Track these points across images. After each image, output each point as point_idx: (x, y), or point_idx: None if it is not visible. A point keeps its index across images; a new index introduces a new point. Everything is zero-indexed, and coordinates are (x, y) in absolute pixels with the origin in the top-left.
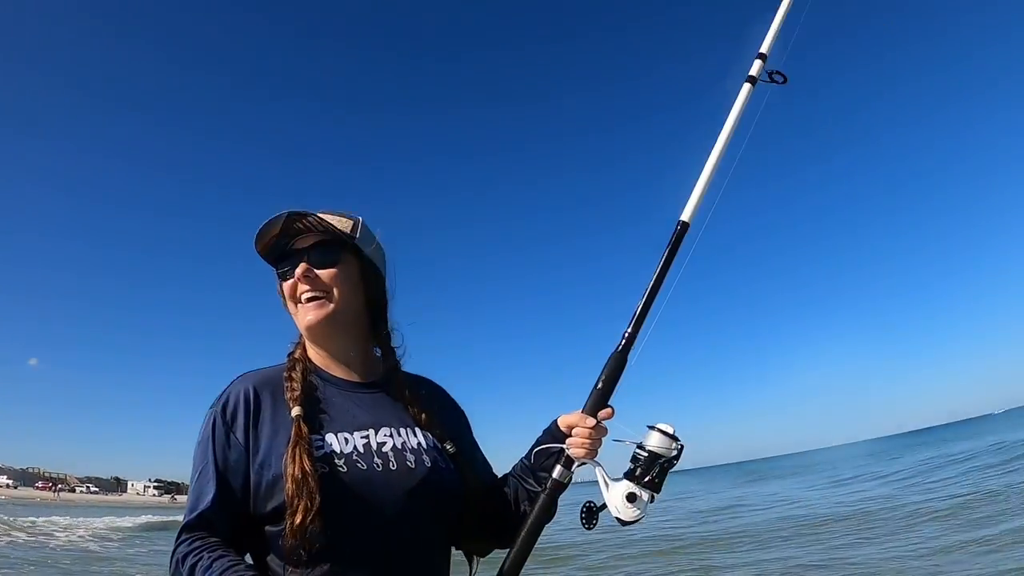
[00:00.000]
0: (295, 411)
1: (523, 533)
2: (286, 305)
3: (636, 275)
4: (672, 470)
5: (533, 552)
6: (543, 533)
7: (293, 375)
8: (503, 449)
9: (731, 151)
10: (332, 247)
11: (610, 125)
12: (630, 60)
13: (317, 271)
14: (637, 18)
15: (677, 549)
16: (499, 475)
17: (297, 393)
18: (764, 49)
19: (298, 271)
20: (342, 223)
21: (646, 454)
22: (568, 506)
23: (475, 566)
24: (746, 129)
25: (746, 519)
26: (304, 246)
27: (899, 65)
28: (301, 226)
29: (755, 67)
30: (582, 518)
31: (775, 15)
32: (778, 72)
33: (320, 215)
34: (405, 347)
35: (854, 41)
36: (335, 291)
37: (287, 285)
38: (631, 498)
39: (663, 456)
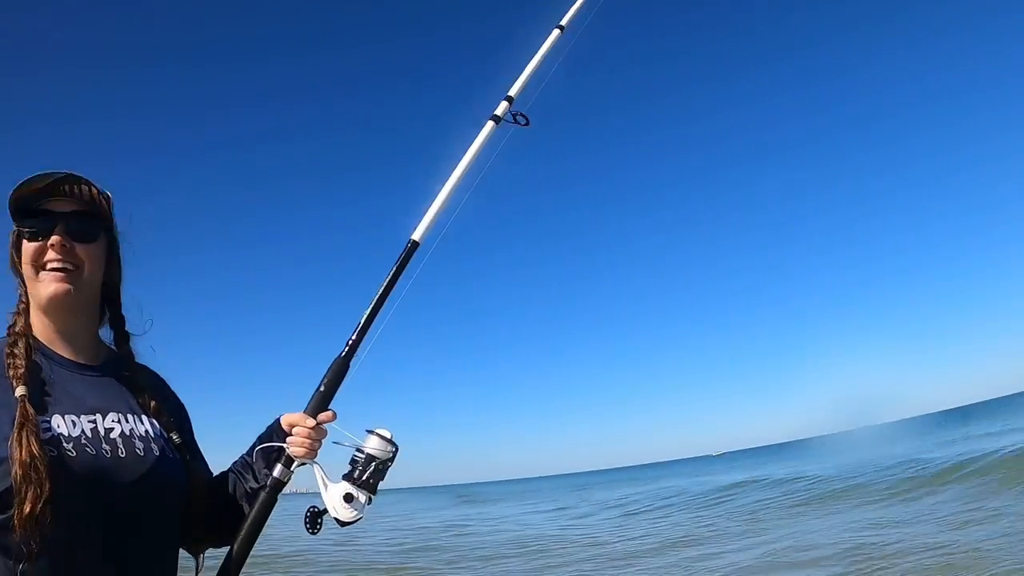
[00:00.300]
0: (19, 391)
1: (244, 531)
2: (17, 266)
3: (368, 285)
4: (391, 488)
5: (255, 560)
6: (267, 541)
7: (16, 351)
8: (217, 449)
9: (468, 180)
10: (93, 221)
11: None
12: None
13: (74, 242)
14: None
15: (403, 566)
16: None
17: (21, 371)
18: (512, 92)
19: (54, 238)
20: (105, 198)
21: (364, 456)
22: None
23: (201, 562)
24: (485, 162)
25: (475, 538)
26: (61, 211)
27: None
28: (67, 190)
29: (501, 107)
30: (306, 523)
31: (529, 62)
32: (522, 114)
33: (93, 187)
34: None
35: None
36: (85, 267)
37: (32, 247)
38: (348, 499)
39: (380, 459)
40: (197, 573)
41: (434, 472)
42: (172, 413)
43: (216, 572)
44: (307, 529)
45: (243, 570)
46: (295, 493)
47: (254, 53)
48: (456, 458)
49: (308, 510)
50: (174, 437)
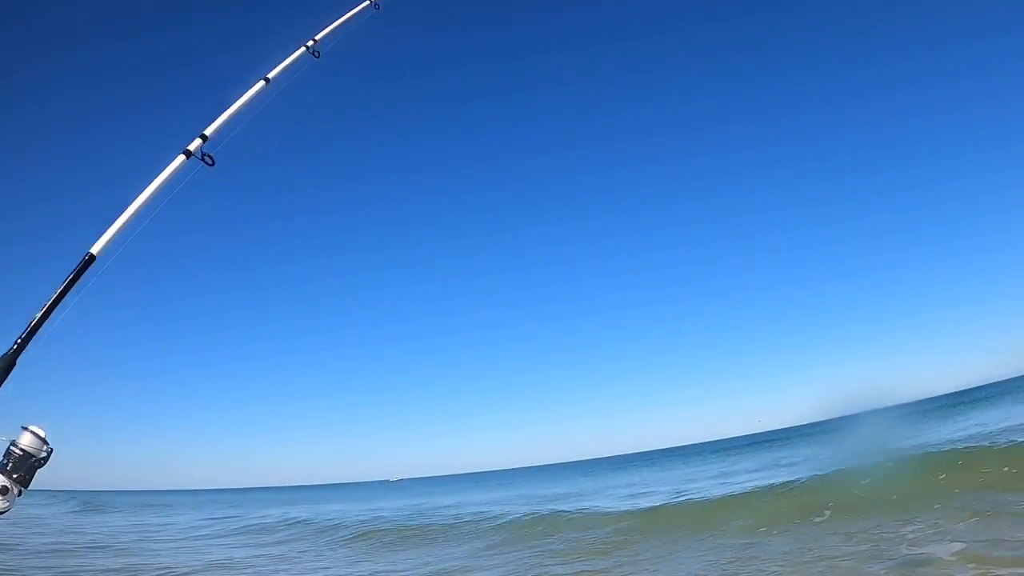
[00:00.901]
0: None
1: None
2: None
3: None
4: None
5: None
6: None
7: None
8: None
9: (153, 205)
10: None
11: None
12: None
13: None
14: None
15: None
16: None
17: None
18: (208, 132)
19: None
20: None
21: (20, 452)
22: None
23: None
24: (171, 191)
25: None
26: None
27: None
28: None
29: (195, 144)
30: None
31: (229, 107)
32: (209, 155)
33: None
34: None
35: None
36: None
37: None
38: (3, 491)
39: (34, 456)
40: None
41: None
42: None
43: None
44: None
45: None
46: None
47: None
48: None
49: None
50: None
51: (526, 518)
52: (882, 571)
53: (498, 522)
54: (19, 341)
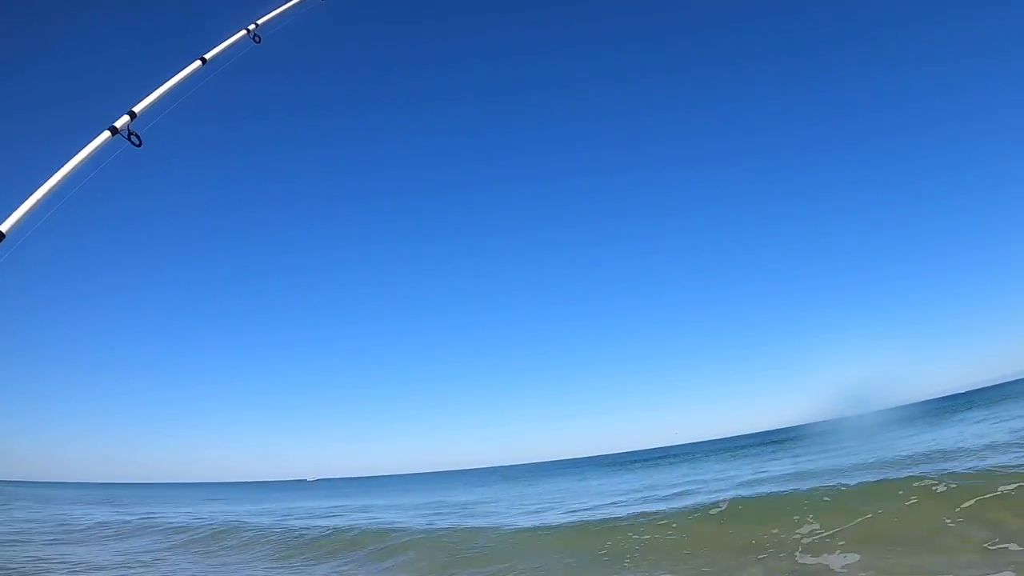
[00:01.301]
0: None
1: None
2: None
3: None
4: None
5: None
6: None
7: None
8: None
9: (73, 183)
10: None
11: None
12: None
13: None
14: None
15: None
16: None
17: None
18: (137, 109)
19: None
20: None
21: None
22: None
23: None
24: (92, 169)
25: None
26: None
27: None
28: None
29: (122, 120)
30: None
31: (161, 85)
32: (136, 134)
33: None
34: None
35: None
36: None
37: None
38: None
39: None
40: None
41: None
42: None
43: None
44: None
45: None
46: None
47: None
48: None
49: None
50: None
51: (374, 530)
52: None
53: (348, 535)
54: None
